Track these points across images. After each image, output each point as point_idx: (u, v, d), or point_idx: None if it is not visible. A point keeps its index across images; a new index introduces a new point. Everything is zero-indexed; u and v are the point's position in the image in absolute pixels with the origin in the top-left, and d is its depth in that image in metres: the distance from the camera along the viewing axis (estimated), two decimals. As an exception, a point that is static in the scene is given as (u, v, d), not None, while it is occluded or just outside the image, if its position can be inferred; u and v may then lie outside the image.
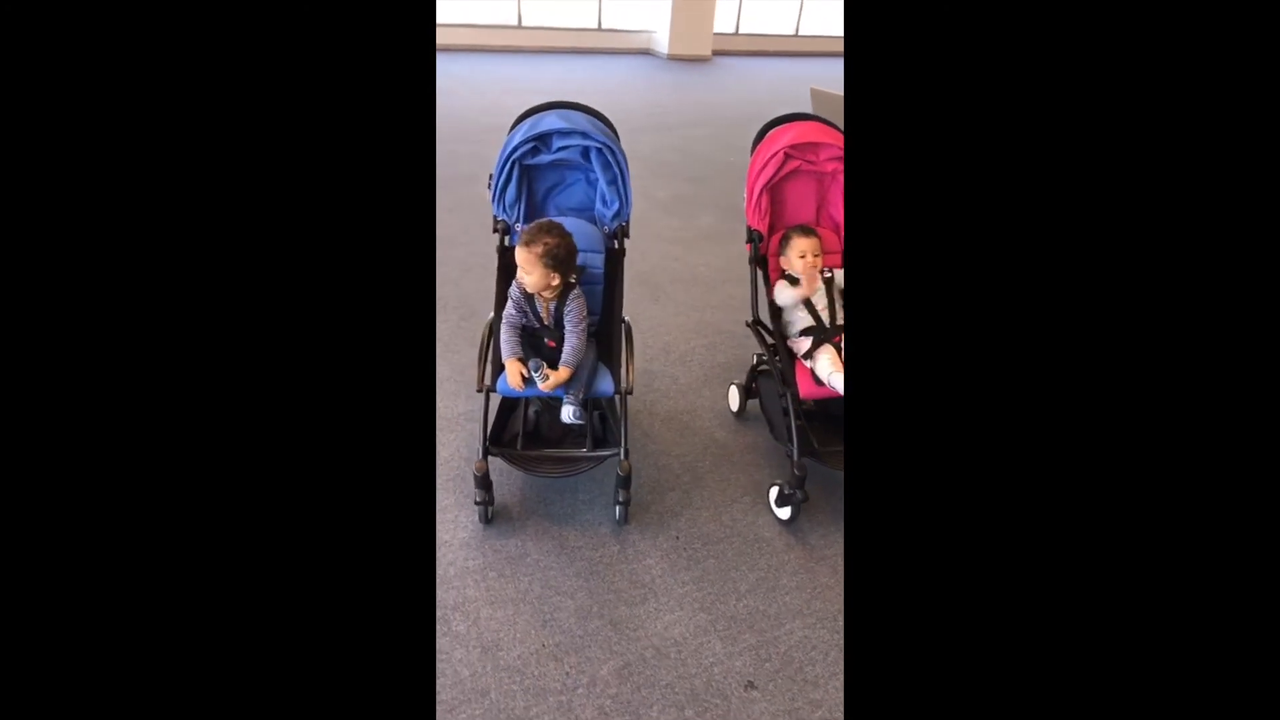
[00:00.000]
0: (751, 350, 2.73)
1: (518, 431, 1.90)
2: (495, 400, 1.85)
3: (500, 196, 1.91)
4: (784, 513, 1.91)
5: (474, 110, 6.18)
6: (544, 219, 1.85)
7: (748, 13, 11.17)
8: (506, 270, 1.95)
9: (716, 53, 10.53)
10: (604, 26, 10.52)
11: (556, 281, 1.76)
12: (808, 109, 5.30)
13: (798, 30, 11.54)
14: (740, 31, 11.22)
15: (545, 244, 1.72)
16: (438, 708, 1.40)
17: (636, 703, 1.44)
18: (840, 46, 11.58)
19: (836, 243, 2.14)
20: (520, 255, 1.74)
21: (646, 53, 10.48)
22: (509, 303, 1.81)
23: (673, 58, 10.11)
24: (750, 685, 1.49)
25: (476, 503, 1.79)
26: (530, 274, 1.74)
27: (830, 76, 5.78)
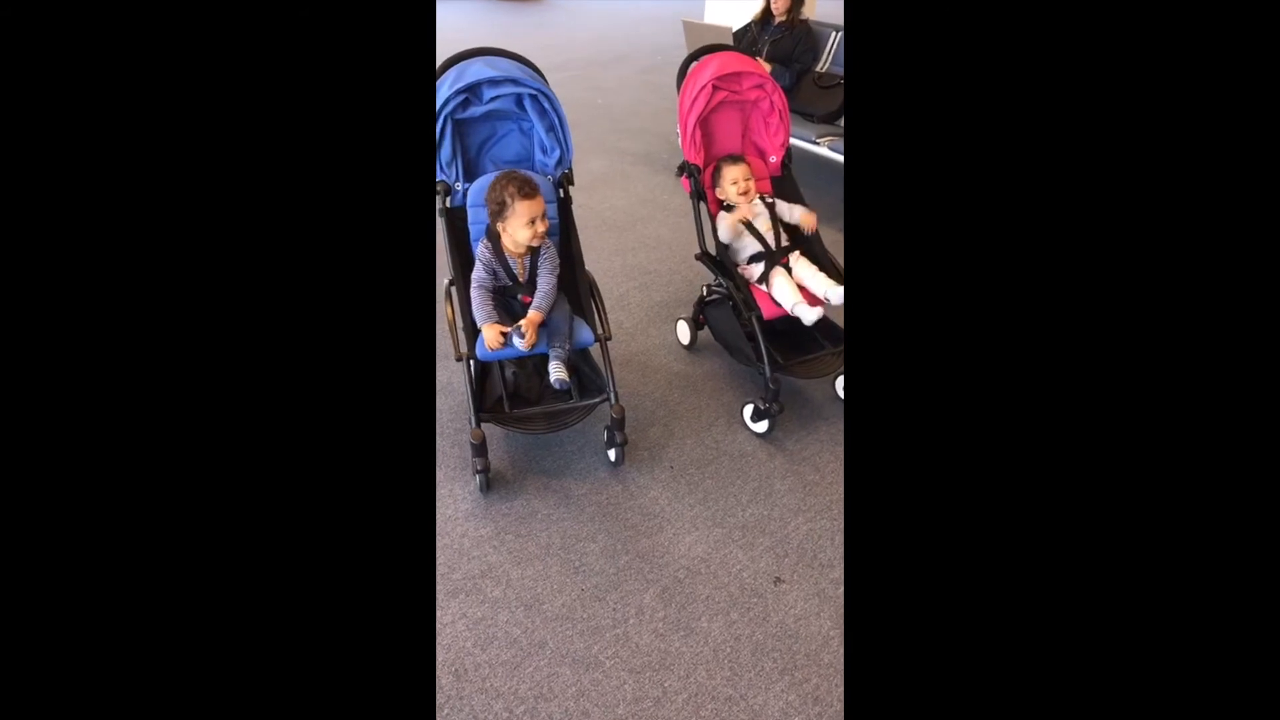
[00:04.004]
0: (683, 285, 2.83)
1: (500, 394, 1.87)
2: (472, 366, 1.80)
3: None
4: (760, 427, 2.05)
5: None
6: (510, 170, 1.80)
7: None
8: (457, 234, 1.88)
9: (548, -9, 10.16)
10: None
11: (545, 228, 1.74)
12: (672, 43, 5.28)
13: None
14: (568, -32, 10.86)
15: (539, 191, 1.71)
16: (502, 669, 1.42)
17: (685, 619, 1.54)
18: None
19: (762, 168, 2.25)
20: (530, 209, 1.70)
21: (475, -5, 9.88)
22: (477, 265, 1.76)
23: (503, -1, 9.63)
24: (778, 580, 1.64)
25: (476, 471, 1.76)
26: (541, 223, 1.72)
27: (684, 8, 5.80)
